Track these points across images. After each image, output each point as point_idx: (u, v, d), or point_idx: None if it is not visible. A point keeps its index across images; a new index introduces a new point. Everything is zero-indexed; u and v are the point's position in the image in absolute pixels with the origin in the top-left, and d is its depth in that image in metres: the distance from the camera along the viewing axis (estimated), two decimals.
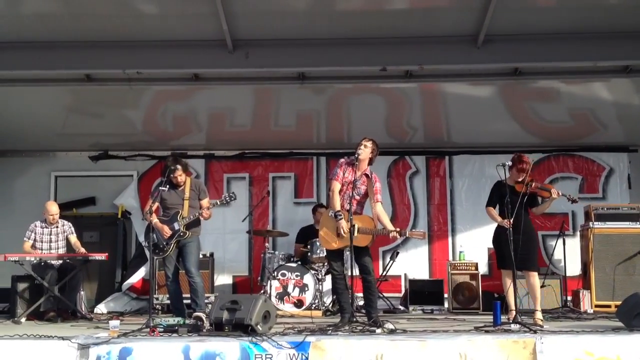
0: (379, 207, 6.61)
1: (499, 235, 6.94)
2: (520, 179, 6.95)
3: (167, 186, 7.12)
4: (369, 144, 6.63)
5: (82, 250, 8.23)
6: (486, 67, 8.46)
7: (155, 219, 7.17)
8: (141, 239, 9.89)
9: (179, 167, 7.26)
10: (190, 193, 7.37)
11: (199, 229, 7.48)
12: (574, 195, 7.22)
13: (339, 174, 6.59)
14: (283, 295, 8.55)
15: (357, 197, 6.61)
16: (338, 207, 6.51)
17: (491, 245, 7.24)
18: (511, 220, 6.57)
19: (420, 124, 9.97)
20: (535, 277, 7.00)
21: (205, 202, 7.42)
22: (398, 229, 6.56)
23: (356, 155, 6.54)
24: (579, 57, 8.15)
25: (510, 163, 6.91)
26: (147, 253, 9.03)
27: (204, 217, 7.33)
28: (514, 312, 6.68)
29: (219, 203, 7.46)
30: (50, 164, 10.47)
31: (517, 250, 6.52)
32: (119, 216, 10.09)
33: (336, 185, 6.58)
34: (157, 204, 7.27)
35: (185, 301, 7.43)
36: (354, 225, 6.37)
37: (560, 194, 6.86)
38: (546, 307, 8.34)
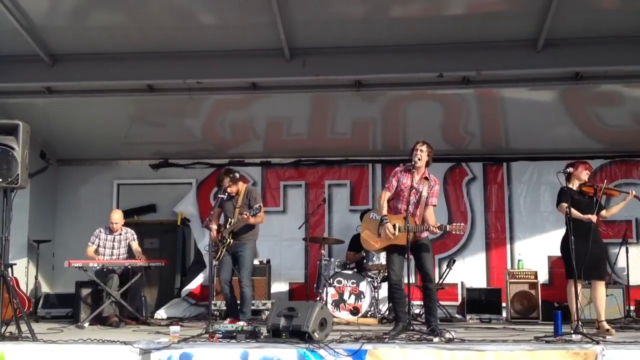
0: (429, 210, 6.60)
1: (569, 244, 6.63)
2: (586, 179, 6.83)
3: (226, 194, 7.31)
4: (424, 147, 6.60)
5: (143, 257, 8.40)
6: (546, 72, 8.33)
7: (214, 226, 7.44)
8: (200, 246, 10.04)
9: (226, 178, 7.44)
10: (243, 201, 7.53)
11: (251, 235, 7.58)
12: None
13: (392, 183, 6.67)
14: (339, 303, 8.55)
15: (421, 201, 6.60)
16: (384, 213, 6.60)
17: (552, 254, 7.11)
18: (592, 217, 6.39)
19: (477, 130, 9.84)
20: (604, 287, 6.87)
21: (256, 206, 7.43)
22: (439, 224, 6.47)
23: (413, 163, 6.54)
24: None
25: (571, 169, 6.78)
26: (206, 260, 9.16)
27: (244, 219, 7.30)
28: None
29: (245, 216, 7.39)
30: (113, 172, 10.73)
31: (592, 259, 6.45)
32: (179, 223, 10.26)
33: (385, 194, 6.70)
34: (218, 209, 7.52)
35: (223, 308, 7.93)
36: (396, 227, 6.45)
37: (633, 193, 6.80)
38: (609, 317, 8.11)
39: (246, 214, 7.32)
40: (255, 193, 7.80)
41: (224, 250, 7.45)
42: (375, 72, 8.42)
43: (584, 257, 6.45)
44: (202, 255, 9.91)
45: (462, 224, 6.56)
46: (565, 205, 6.53)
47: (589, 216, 6.72)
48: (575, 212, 6.65)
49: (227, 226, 7.45)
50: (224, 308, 8.53)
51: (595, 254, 6.64)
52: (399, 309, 6.54)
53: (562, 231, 6.84)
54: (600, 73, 8.30)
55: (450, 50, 8.19)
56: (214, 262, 7.43)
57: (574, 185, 6.88)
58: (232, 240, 7.41)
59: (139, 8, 7.83)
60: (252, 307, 8.49)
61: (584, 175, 6.89)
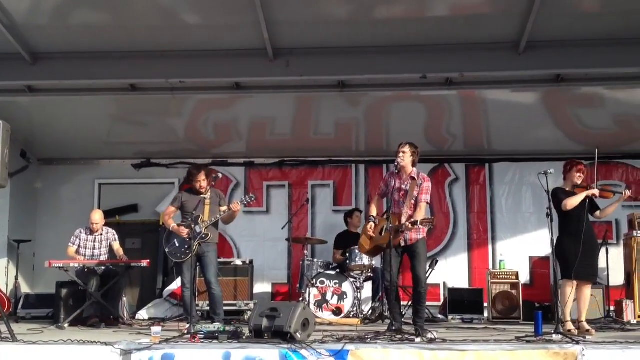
0: (420, 208, 6.56)
1: (566, 244, 6.69)
2: (579, 182, 6.85)
3: (209, 194, 7.32)
4: (407, 148, 6.65)
5: (125, 257, 8.35)
6: (528, 74, 8.40)
7: (173, 224, 7.34)
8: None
9: (202, 171, 7.38)
10: (211, 199, 7.42)
11: (216, 236, 7.47)
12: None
13: (381, 187, 6.93)
14: (322, 303, 8.55)
15: (413, 201, 6.60)
16: (371, 213, 6.90)
17: (533, 254, 7.13)
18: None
19: (460, 132, 9.89)
20: (590, 288, 6.91)
21: (224, 208, 7.42)
22: (412, 220, 6.41)
23: (396, 164, 6.61)
24: (623, 63, 8.03)
25: (551, 171, 6.79)
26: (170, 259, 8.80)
27: (233, 209, 7.28)
28: (569, 324, 6.59)
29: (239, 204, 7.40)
30: (95, 172, 10.65)
31: (586, 260, 6.51)
32: (161, 223, 10.16)
33: (374, 198, 7.08)
34: (174, 208, 7.46)
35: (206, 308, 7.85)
36: (385, 229, 6.56)
37: (628, 193, 6.83)
38: (589, 317, 8.19)
39: (238, 202, 7.31)
40: (222, 193, 7.79)
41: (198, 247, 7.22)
42: (359, 73, 8.44)
43: (574, 257, 6.52)
44: None
45: (433, 217, 6.69)
46: (566, 202, 6.63)
47: (592, 191, 6.71)
48: (574, 199, 6.69)
49: (200, 222, 7.24)
50: (206, 308, 8.47)
51: (589, 255, 6.67)
52: (392, 311, 6.70)
53: (543, 232, 6.88)
54: (581, 75, 8.38)
55: (433, 52, 8.23)
56: (179, 260, 7.29)
57: (567, 186, 6.91)
58: (211, 234, 7.28)
59: (122, 7, 7.77)
60: (235, 308, 8.50)
61: (577, 178, 6.89)
